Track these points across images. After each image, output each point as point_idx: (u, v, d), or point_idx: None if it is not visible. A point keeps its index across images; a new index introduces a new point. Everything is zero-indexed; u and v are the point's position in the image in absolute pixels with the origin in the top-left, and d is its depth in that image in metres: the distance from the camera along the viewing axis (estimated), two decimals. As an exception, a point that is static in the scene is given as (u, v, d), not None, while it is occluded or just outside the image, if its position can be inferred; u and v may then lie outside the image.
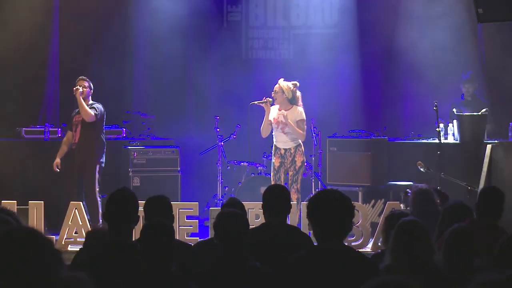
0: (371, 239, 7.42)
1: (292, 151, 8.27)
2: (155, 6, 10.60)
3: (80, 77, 8.54)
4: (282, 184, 8.02)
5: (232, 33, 11.10)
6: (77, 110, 8.44)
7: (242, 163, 9.76)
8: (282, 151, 8.30)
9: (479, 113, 8.62)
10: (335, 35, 10.91)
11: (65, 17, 10.12)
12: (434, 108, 8.34)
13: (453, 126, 8.87)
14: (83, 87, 8.38)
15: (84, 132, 8.39)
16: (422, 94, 9.94)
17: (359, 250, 6.78)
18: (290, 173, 8.24)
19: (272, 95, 8.29)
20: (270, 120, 8.34)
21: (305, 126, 8.34)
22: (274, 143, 8.38)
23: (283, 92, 8.23)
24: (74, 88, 8.33)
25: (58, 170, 8.45)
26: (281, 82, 8.29)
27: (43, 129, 9.33)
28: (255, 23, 11.17)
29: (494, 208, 4.98)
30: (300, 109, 8.30)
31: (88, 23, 10.28)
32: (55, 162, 8.45)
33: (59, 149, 8.54)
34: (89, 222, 7.52)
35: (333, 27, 11.00)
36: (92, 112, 8.29)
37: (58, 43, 10.17)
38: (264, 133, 8.39)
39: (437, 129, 8.41)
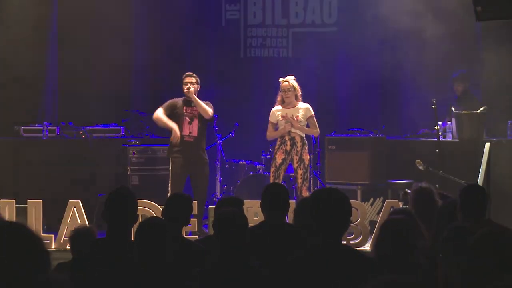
0: (369, 237, 7.42)
1: (299, 148, 8.19)
2: (154, 5, 10.59)
3: (187, 73, 8.46)
4: (281, 182, 8.02)
5: (230, 32, 11.09)
6: (184, 101, 8.37)
7: (241, 162, 9.76)
8: (288, 147, 8.21)
9: (478, 111, 8.63)
10: (334, 34, 10.91)
11: (64, 17, 10.11)
12: (433, 106, 8.34)
13: (451, 124, 8.87)
14: (190, 83, 8.33)
15: (201, 127, 8.41)
16: (421, 93, 9.94)
17: (358, 248, 6.80)
18: (300, 172, 8.16)
19: (283, 94, 8.22)
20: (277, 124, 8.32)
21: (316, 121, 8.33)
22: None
23: (294, 89, 8.22)
24: (185, 88, 8.28)
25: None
26: (291, 80, 8.26)
27: (42, 127, 9.33)
28: (253, 21, 11.16)
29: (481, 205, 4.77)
30: (307, 105, 8.29)
31: (87, 21, 10.27)
32: (178, 136, 8.29)
33: (167, 123, 8.34)
34: (89, 222, 7.48)
35: (332, 26, 11.00)
36: (210, 110, 8.31)
37: (57, 41, 10.17)
38: (271, 139, 8.42)
39: (436, 127, 8.42)
